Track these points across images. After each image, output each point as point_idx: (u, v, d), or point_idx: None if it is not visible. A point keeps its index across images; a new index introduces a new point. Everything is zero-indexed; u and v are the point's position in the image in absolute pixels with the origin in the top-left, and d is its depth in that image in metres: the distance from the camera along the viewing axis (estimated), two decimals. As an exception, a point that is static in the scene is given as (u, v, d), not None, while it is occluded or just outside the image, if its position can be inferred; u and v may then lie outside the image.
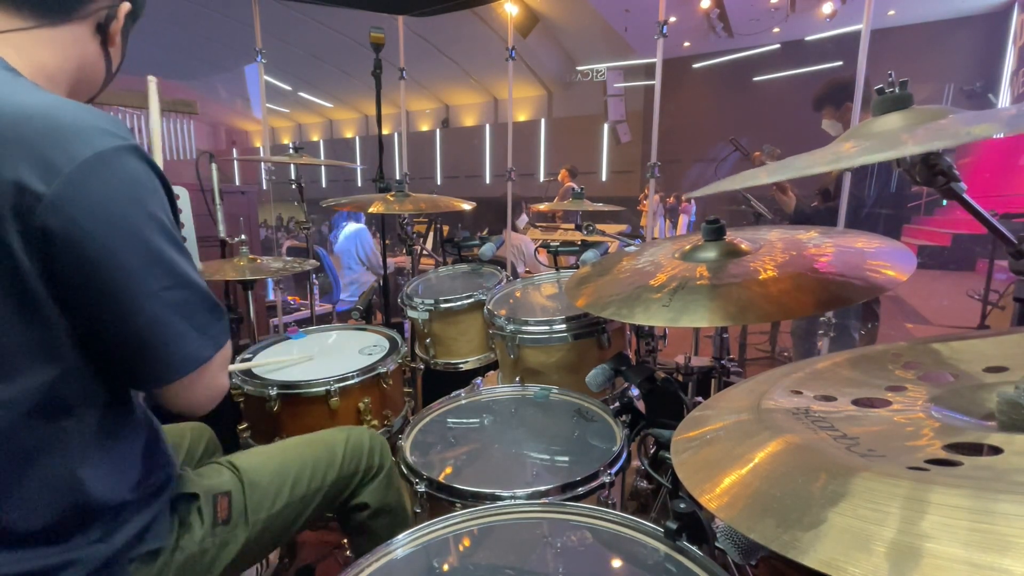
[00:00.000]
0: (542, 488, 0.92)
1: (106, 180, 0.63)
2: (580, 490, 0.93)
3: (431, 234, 3.03)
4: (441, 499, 0.95)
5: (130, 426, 0.77)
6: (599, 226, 2.06)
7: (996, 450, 0.40)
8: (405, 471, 1.03)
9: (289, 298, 4.42)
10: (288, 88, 15.39)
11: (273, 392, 1.35)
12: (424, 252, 2.41)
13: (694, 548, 0.69)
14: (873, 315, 2.63)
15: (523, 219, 4.63)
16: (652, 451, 0.91)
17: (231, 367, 1.50)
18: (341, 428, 1.11)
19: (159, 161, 1.11)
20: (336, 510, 1.07)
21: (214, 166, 1.94)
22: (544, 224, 5.21)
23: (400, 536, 0.79)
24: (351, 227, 4.35)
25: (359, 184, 16.80)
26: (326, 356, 1.61)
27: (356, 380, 1.41)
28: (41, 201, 0.59)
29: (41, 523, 0.67)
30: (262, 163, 3.27)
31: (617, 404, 1.13)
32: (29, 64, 0.71)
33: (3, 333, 0.61)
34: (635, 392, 1.22)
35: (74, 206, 0.60)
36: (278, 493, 0.93)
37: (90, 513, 0.71)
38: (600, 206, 2.44)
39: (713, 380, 1.31)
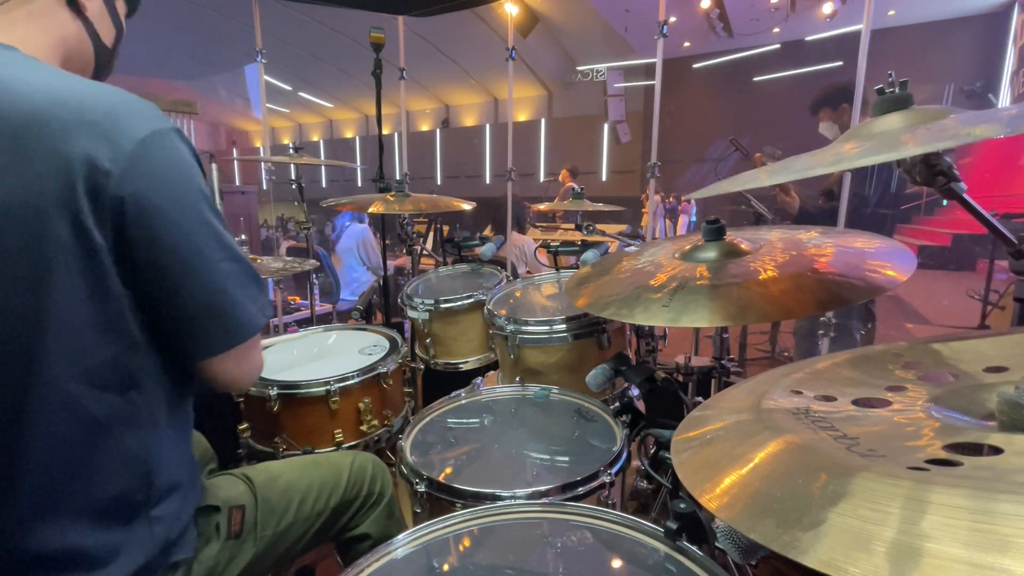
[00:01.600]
0: (542, 488, 0.92)
1: (163, 156, 0.66)
2: (580, 490, 0.93)
3: (431, 234, 3.03)
4: (441, 499, 0.95)
5: (184, 407, 0.79)
6: (599, 226, 2.06)
7: (996, 450, 0.40)
8: (405, 471, 1.03)
9: (289, 298, 4.42)
10: (288, 88, 15.39)
11: (273, 392, 1.35)
12: (424, 252, 2.41)
13: (694, 548, 0.69)
14: (870, 315, 2.63)
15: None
16: (652, 451, 0.91)
17: None
18: (347, 452, 1.11)
19: None
20: (338, 541, 1.06)
21: (214, 166, 1.94)
22: (544, 224, 5.22)
23: (400, 536, 0.79)
24: (353, 227, 4.36)
25: (359, 184, 16.81)
26: (326, 356, 1.61)
27: (356, 380, 1.41)
28: (111, 177, 0.61)
29: (112, 494, 0.69)
30: (262, 163, 3.27)
31: (617, 404, 1.13)
32: (19, 45, 0.70)
33: (77, 309, 0.63)
34: (635, 392, 1.22)
35: (141, 180, 0.64)
36: (285, 511, 0.93)
37: (158, 490, 0.73)
38: (600, 206, 2.44)
39: (713, 380, 1.31)
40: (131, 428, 0.69)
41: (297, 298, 4.50)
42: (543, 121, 13.51)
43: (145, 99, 0.70)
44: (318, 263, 2.43)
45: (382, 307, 2.62)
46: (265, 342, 1.61)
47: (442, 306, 1.77)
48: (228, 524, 0.86)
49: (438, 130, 15.57)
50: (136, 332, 0.68)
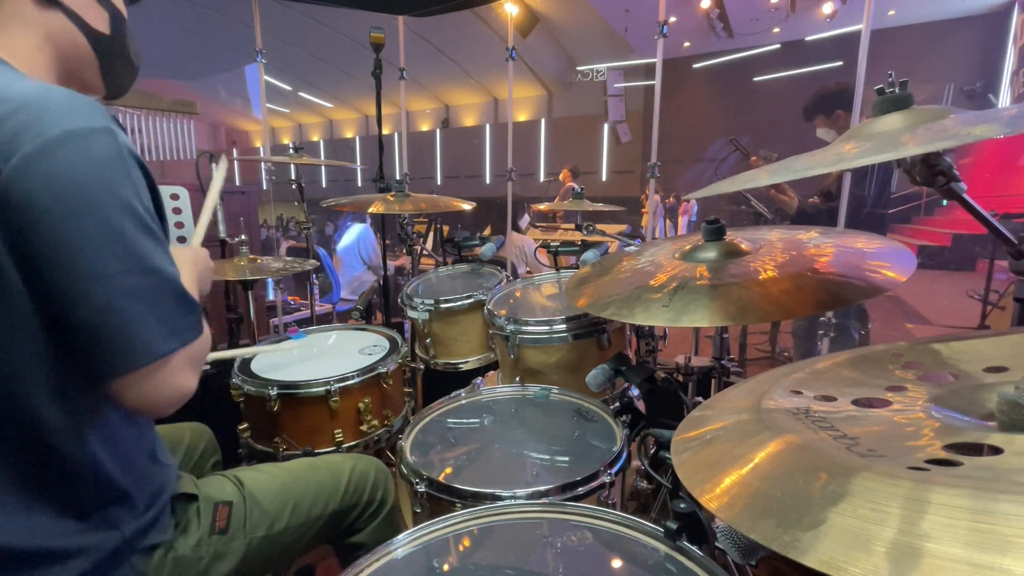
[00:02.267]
0: (542, 488, 0.92)
1: (70, 157, 0.61)
2: (580, 490, 0.93)
3: (431, 234, 3.03)
4: (441, 499, 0.95)
5: (128, 416, 0.77)
6: (599, 226, 2.06)
7: (996, 450, 0.40)
8: (405, 471, 1.03)
9: (289, 298, 4.42)
10: (288, 88, 15.39)
11: (273, 392, 1.35)
12: (424, 252, 2.41)
13: (694, 548, 0.69)
14: (865, 315, 2.64)
15: (525, 219, 4.63)
16: (652, 451, 0.91)
17: (227, 354, 1.50)
18: (348, 456, 1.09)
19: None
20: (337, 547, 1.06)
21: (213, 166, 1.94)
22: (544, 224, 5.22)
23: (400, 536, 0.79)
24: (355, 227, 4.37)
25: (359, 184, 16.80)
26: (327, 356, 1.61)
27: (356, 380, 1.41)
28: (0, 175, 0.58)
29: (65, 496, 0.69)
30: (262, 163, 3.27)
31: (617, 404, 1.13)
32: (3, 49, 0.69)
33: None
34: (635, 392, 1.22)
35: (32, 180, 0.60)
36: (278, 515, 0.92)
37: (106, 494, 0.72)
38: (600, 206, 2.44)
39: (713, 380, 1.31)
40: (65, 435, 0.67)
41: (297, 298, 4.51)
42: (543, 121, 13.50)
43: (94, 101, 0.66)
44: (318, 263, 2.43)
45: (382, 307, 2.62)
46: (270, 348, 1.61)
47: (442, 306, 1.77)
48: (213, 518, 0.85)
49: (438, 130, 15.56)
50: (48, 338, 0.65)
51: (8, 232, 0.60)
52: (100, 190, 0.63)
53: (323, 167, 16.76)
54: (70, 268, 0.62)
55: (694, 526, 0.68)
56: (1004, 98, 8.37)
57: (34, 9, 0.72)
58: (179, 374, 0.70)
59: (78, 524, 0.70)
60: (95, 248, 0.63)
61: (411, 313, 1.83)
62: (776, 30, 9.73)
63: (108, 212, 0.64)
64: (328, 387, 1.37)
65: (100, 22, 0.78)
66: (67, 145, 0.61)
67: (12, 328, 0.63)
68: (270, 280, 3.53)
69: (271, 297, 3.70)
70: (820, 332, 2.00)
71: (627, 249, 1.31)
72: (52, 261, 0.61)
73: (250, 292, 1.93)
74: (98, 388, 0.68)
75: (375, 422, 1.47)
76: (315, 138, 19.33)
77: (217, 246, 1.98)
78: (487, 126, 14.35)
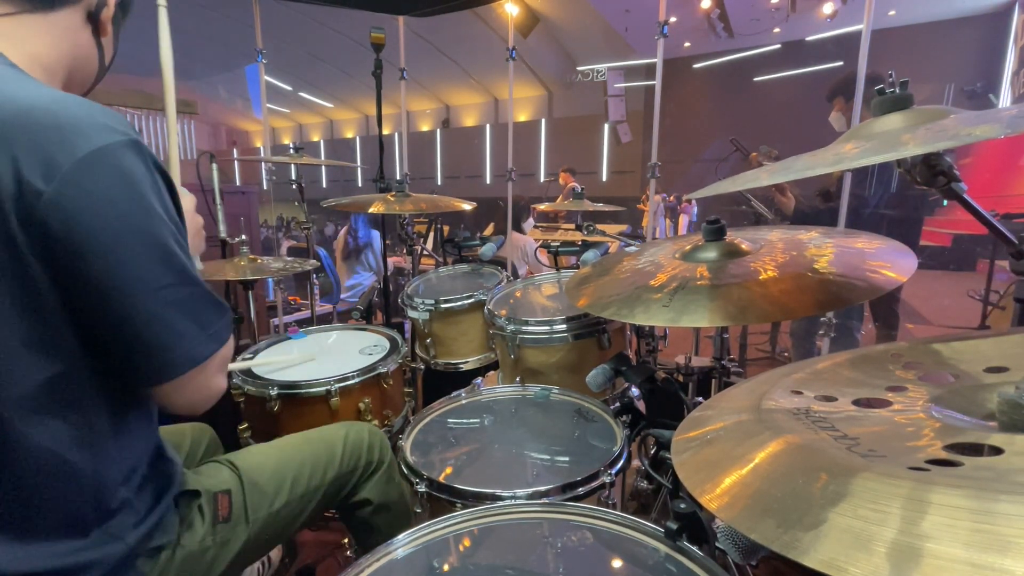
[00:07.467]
0: (542, 488, 0.92)
1: (104, 177, 0.62)
2: (580, 490, 0.93)
3: (431, 234, 3.03)
4: (441, 499, 0.95)
5: (141, 422, 0.77)
6: (599, 226, 2.06)
7: (997, 450, 0.40)
8: (405, 471, 1.03)
9: (290, 298, 4.42)
10: (288, 88, 15.37)
11: (273, 392, 1.35)
12: (424, 252, 2.41)
13: (694, 548, 0.69)
14: (893, 316, 2.65)
15: (530, 223, 4.62)
16: (652, 451, 0.91)
17: (231, 366, 1.51)
18: (341, 424, 1.11)
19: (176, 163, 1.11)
20: (338, 507, 1.07)
21: (214, 166, 1.94)
22: (545, 224, 5.22)
23: (400, 536, 0.79)
24: (374, 232, 4.40)
25: (359, 184, 16.79)
26: (327, 356, 1.61)
27: (356, 380, 1.41)
28: (41, 198, 0.59)
29: (64, 515, 0.68)
30: (262, 163, 3.27)
31: (617, 404, 1.13)
32: (23, 54, 0.70)
33: (9, 327, 0.61)
34: (635, 392, 1.22)
35: (72, 203, 0.60)
36: (278, 492, 0.94)
37: (108, 506, 0.72)
38: (600, 206, 2.44)
39: (713, 380, 1.31)
40: (77, 450, 0.67)
41: (297, 298, 4.51)
42: (543, 121, 13.49)
43: (108, 108, 0.67)
44: (318, 263, 2.43)
45: (382, 307, 2.62)
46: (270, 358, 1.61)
47: (442, 306, 1.76)
48: (214, 509, 0.86)
49: (438, 130, 15.55)
50: (77, 352, 0.66)
51: (48, 254, 0.61)
52: (134, 206, 0.65)
53: (323, 167, 16.76)
54: (114, 285, 0.64)
55: (694, 526, 0.68)
56: (1004, 98, 8.36)
57: (86, 33, 0.76)
58: (214, 376, 0.76)
59: (82, 541, 0.70)
60: (137, 264, 0.65)
61: (411, 313, 1.83)
62: (776, 30, 9.72)
63: (144, 227, 0.66)
64: (328, 387, 1.37)
65: (108, 58, 0.83)
66: (100, 163, 0.62)
67: (45, 346, 0.63)
68: (270, 280, 3.53)
69: (271, 297, 3.70)
70: (820, 332, 2.00)
71: (627, 249, 1.31)
72: (96, 280, 0.63)
73: (250, 292, 1.93)
74: (136, 392, 0.72)
75: (375, 422, 1.47)
76: (315, 138, 19.31)
77: (217, 246, 1.98)
78: (487, 126, 14.33)
